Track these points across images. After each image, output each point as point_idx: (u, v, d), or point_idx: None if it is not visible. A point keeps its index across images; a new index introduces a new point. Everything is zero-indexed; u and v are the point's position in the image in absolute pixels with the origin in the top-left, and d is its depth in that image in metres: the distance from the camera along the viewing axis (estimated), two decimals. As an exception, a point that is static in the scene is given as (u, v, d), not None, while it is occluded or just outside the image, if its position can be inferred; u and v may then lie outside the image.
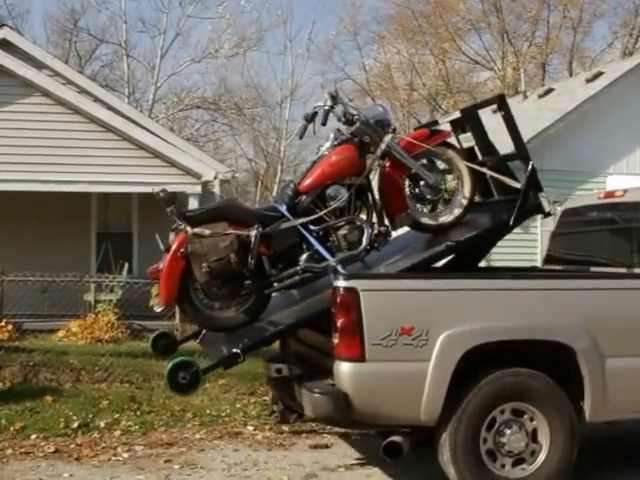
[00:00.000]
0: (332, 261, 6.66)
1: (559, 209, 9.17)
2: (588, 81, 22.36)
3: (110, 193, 17.60)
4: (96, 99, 18.22)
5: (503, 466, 6.27)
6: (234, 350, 6.37)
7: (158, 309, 7.57)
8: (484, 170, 7.56)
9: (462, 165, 7.39)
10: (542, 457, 6.31)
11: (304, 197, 6.88)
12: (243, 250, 6.55)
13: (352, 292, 6.02)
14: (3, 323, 14.63)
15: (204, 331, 7.55)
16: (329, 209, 6.82)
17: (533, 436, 6.32)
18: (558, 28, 42.36)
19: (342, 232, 6.84)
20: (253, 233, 6.59)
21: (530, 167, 7.20)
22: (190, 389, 6.46)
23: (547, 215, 7.46)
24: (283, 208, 6.81)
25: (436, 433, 6.24)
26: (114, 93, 29.59)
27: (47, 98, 16.38)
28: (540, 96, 24.80)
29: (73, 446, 8.13)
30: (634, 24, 41.73)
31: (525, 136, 21.06)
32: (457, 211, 7.37)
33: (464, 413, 6.13)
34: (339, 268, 6.60)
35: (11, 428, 8.61)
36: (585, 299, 6.59)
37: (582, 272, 7.91)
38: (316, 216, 6.81)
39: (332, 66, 47.09)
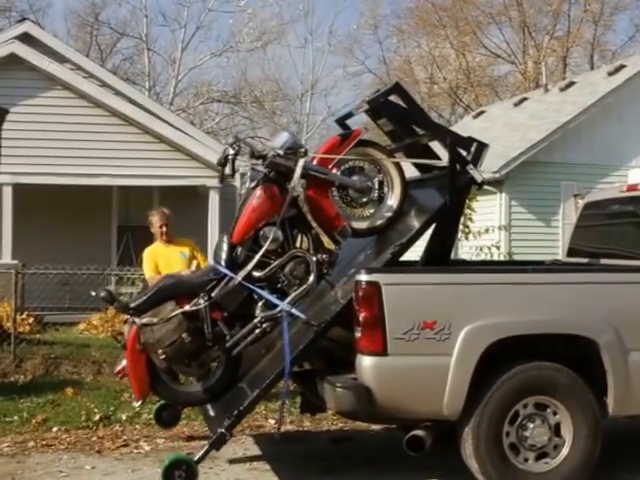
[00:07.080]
0: (283, 305, 6.53)
1: (581, 202, 9.11)
2: (610, 74, 22.24)
3: (131, 186, 17.67)
4: (117, 93, 18.25)
5: (526, 460, 6.23)
6: (220, 431, 6.30)
7: (137, 404, 7.56)
8: (402, 160, 7.41)
9: (385, 158, 7.23)
10: (565, 451, 6.26)
11: (239, 249, 6.76)
12: (196, 324, 6.47)
13: (374, 286, 6.01)
14: (25, 316, 14.66)
15: None
16: (262, 252, 6.62)
17: (556, 430, 6.27)
18: (579, 21, 42.20)
19: (288, 269, 6.68)
20: (201, 303, 6.52)
21: (449, 142, 7.01)
22: None
23: (481, 186, 7.20)
24: (222, 267, 6.69)
25: (459, 427, 6.21)
26: (135, 87, 29.69)
27: (69, 92, 16.48)
28: (561, 89, 24.71)
29: (95, 439, 8.17)
30: (656, 17, 41.53)
31: (547, 129, 21.12)
32: (394, 204, 7.19)
33: (487, 407, 6.09)
34: (293, 310, 6.52)
35: (33, 421, 8.66)
36: (608, 292, 6.53)
37: (605, 265, 7.85)
38: (254, 262, 6.63)
39: (353, 59, 47.05)
